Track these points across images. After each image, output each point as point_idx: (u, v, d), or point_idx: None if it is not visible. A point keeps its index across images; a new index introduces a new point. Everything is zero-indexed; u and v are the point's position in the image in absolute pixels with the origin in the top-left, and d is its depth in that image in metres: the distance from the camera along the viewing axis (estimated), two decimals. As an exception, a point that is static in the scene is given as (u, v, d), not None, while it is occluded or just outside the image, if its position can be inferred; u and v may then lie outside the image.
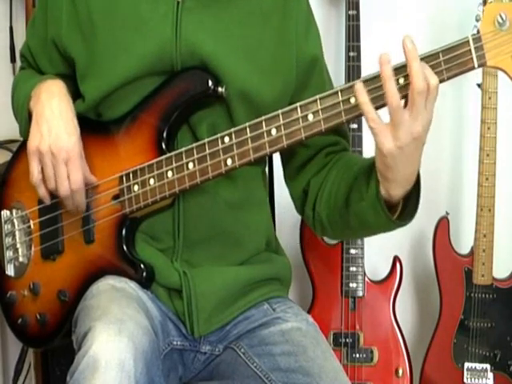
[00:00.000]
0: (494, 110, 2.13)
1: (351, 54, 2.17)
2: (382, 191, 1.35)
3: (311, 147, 1.53)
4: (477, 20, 1.77)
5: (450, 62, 1.24)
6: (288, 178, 1.60)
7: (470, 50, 1.24)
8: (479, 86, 2.14)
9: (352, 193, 1.44)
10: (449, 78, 1.26)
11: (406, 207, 1.39)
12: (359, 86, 1.27)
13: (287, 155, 1.57)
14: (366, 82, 1.28)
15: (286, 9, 1.52)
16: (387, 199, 1.36)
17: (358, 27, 2.18)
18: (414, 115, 1.25)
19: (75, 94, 1.55)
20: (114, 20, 1.48)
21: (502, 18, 1.22)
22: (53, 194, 1.51)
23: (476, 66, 1.24)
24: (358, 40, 2.17)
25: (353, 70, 2.15)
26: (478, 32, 1.24)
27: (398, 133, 1.26)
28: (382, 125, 1.27)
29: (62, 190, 1.47)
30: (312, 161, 1.55)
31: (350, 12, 2.17)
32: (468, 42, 1.24)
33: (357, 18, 2.18)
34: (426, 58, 1.25)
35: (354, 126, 2.15)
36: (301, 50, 1.52)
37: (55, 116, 1.47)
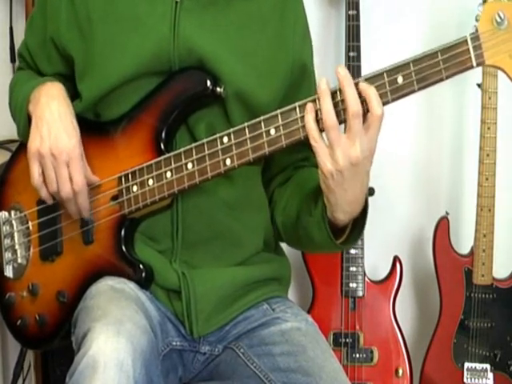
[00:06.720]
0: (494, 110, 2.13)
1: (351, 54, 2.17)
2: (327, 212, 1.39)
3: (281, 164, 1.59)
4: (477, 20, 1.77)
5: (449, 61, 1.24)
6: (264, 187, 1.63)
7: (468, 49, 1.23)
8: (479, 86, 2.14)
9: (303, 206, 1.48)
10: (447, 78, 1.25)
11: (352, 232, 1.43)
12: (310, 105, 1.31)
13: (263, 168, 1.60)
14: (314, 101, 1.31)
15: (285, 16, 1.53)
16: (332, 221, 1.40)
17: (357, 27, 2.17)
18: (350, 138, 1.27)
19: (74, 95, 1.55)
20: (112, 19, 1.48)
21: (501, 17, 1.22)
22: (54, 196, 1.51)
23: (474, 65, 1.24)
24: (358, 40, 2.17)
25: (353, 69, 2.15)
26: (477, 31, 1.23)
27: (335, 154, 1.28)
28: (322, 145, 1.30)
29: (64, 193, 1.46)
30: (280, 174, 1.60)
31: (350, 12, 2.17)
32: (466, 41, 1.24)
33: (357, 18, 2.17)
34: (424, 58, 1.26)
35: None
36: (296, 56, 1.53)
37: (55, 119, 1.47)
